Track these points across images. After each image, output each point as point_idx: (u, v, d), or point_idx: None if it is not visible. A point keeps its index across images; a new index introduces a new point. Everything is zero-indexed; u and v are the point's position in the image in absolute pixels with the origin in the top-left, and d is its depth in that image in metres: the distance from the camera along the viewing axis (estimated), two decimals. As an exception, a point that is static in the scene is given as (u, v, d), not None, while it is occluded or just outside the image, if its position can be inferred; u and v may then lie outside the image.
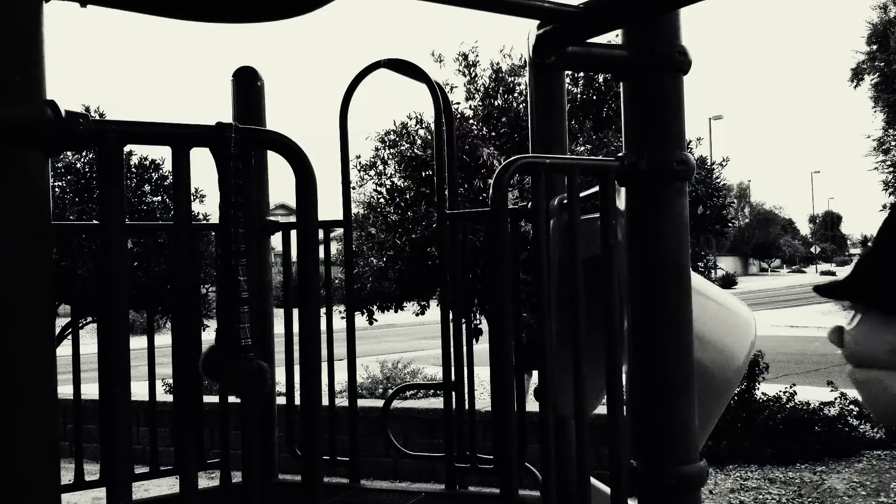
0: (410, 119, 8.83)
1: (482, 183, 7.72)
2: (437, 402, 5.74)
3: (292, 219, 2.90)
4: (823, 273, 61.31)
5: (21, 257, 1.52)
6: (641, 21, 2.40)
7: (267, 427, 3.39)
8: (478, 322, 7.90)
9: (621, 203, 2.49)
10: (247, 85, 3.45)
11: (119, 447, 1.97)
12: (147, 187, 8.29)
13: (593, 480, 2.45)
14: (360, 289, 8.36)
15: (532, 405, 2.62)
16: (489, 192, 2.43)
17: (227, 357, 2.04)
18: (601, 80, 8.81)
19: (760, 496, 4.94)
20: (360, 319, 6.89)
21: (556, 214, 2.68)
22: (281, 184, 3.28)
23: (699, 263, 9.24)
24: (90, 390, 3.50)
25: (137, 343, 3.00)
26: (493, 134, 8.43)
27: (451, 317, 3.24)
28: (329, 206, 3.66)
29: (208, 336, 2.40)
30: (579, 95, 8.89)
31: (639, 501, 2.42)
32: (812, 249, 78.90)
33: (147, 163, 8.28)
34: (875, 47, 15.18)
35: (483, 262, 6.94)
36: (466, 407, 3.23)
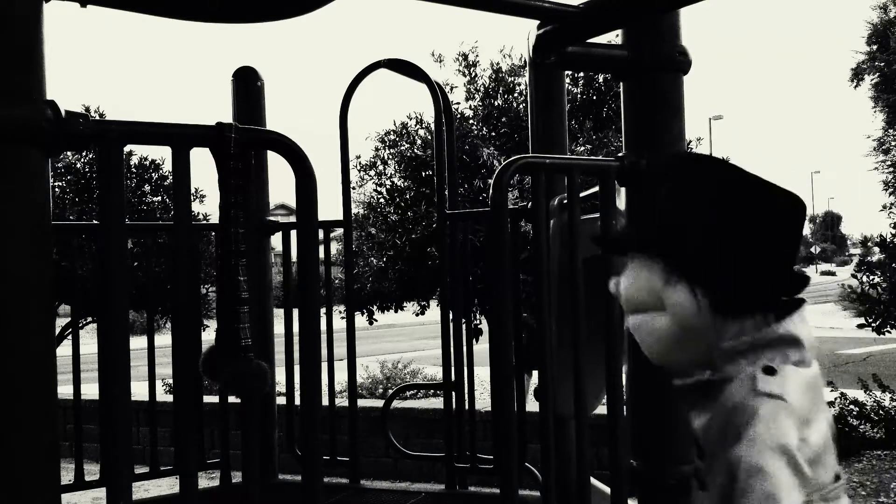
0: (410, 119, 8.84)
1: (482, 183, 7.72)
2: (437, 402, 5.74)
3: (292, 219, 2.90)
4: (824, 273, 61.31)
5: (21, 257, 1.52)
6: (641, 21, 2.40)
7: (267, 427, 3.39)
8: (478, 322, 7.90)
9: (621, 203, 2.49)
10: (247, 85, 3.46)
11: (119, 447, 1.97)
12: (147, 187, 8.29)
13: (593, 480, 2.44)
14: (360, 289, 8.36)
15: (532, 405, 2.62)
16: (489, 192, 2.43)
17: (227, 357, 2.04)
18: (601, 80, 8.80)
19: (760, 496, 4.95)
20: (360, 319, 6.90)
21: (556, 214, 2.68)
22: (281, 184, 3.28)
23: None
24: (90, 390, 3.49)
25: (137, 343, 3.00)
26: (493, 134, 8.43)
27: (451, 317, 3.24)
28: (329, 206, 3.66)
29: (208, 336, 2.40)
30: (579, 95, 8.89)
31: (639, 501, 2.42)
32: (812, 249, 78.93)
33: (147, 163, 8.27)
34: (875, 47, 15.17)
35: (483, 262, 6.94)
36: (466, 407, 3.23)
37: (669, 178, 1.32)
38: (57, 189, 7.76)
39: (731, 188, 1.22)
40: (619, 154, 2.47)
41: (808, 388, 1.16)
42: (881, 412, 6.24)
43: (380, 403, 5.31)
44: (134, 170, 8.18)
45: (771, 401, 1.12)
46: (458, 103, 8.75)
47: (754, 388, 1.14)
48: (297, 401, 3.04)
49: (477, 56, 8.88)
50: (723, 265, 1.18)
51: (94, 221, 3.85)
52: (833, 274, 57.56)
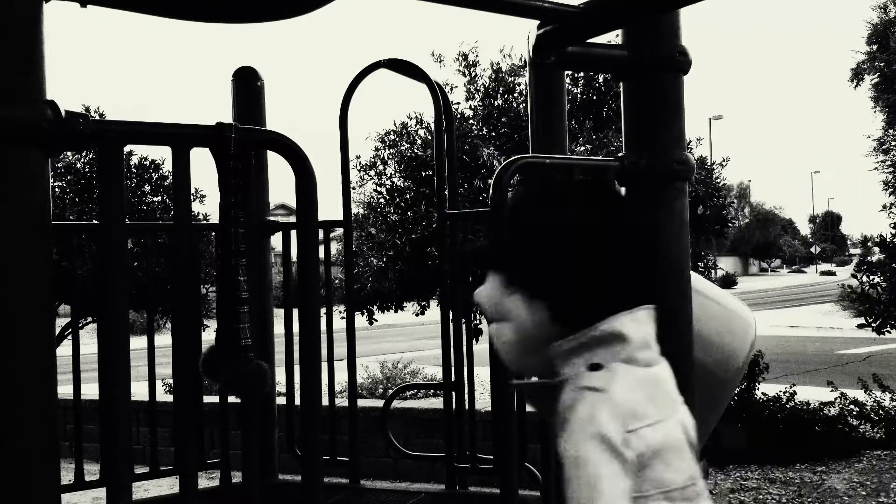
0: (410, 119, 8.84)
1: (482, 183, 7.72)
2: (437, 402, 5.74)
3: (292, 219, 2.90)
4: (824, 273, 61.32)
5: (21, 257, 1.52)
6: (641, 21, 2.40)
7: (267, 427, 3.39)
8: (478, 322, 7.90)
9: (621, 203, 2.49)
10: (247, 85, 3.46)
11: (119, 447, 1.97)
12: (147, 187, 8.28)
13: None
14: (360, 289, 8.35)
15: (532, 405, 2.62)
16: (489, 192, 2.43)
17: (227, 357, 2.04)
18: (601, 80, 8.81)
19: (760, 496, 4.94)
20: (360, 319, 6.89)
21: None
22: (281, 184, 3.28)
23: (699, 263, 9.24)
24: (90, 390, 3.49)
25: (137, 343, 3.00)
26: (493, 134, 8.43)
27: (451, 317, 3.24)
28: (329, 206, 3.66)
29: (208, 336, 2.40)
30: (579, 95, 8.89)
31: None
32: (812, 249, 78.92)
33: (147, 163, 8.27)
34: (875, 47, 15.17)
35: (483, 262, 6.92)
36: (466, 407, 3.23)
37: (515, 191, 1.43)
38: (57, 189, 7.76)
39: (564, 199, 1.28)
40: (619, 154, 2.47)
41: (638, 385, 1.19)
42: (881, 412, 6.24)
43: (380, 403, 5.31)
44: (134, 170, 8.17)
45: (591, 393, 1.16)
46: (458, 103, 8.75)
47: (577, 383, 1.19)
48: (297, 401, 3.04)
49: (477, 56, 8.88)
50: (558, 277, 1.22)
51: (94, 221, 3.85)
52: (833, 274, 57.56)
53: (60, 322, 7.53)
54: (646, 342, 1.26)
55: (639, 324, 1.26)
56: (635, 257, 1.30)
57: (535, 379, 1.29)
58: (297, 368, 2.81)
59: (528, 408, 2.98)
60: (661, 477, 1.15)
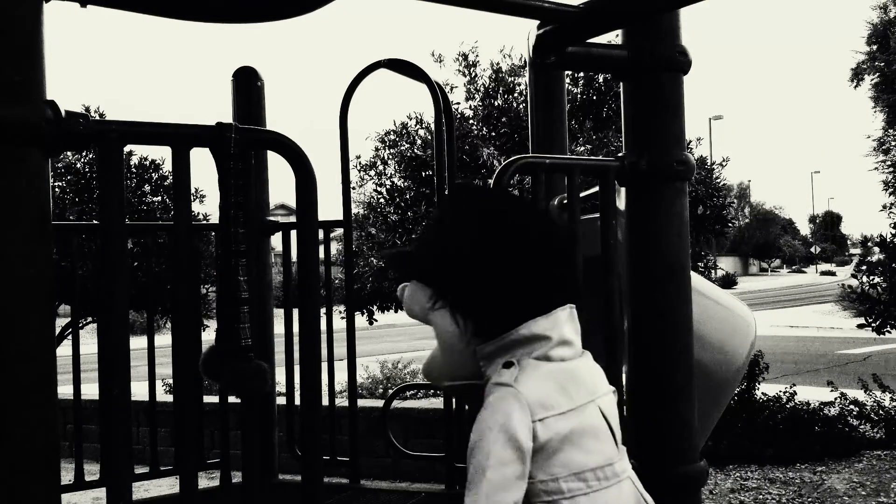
0: (410, 119, 8.84)
1: (482, 183, 7.72)
2: (437, 402, 5.73)
3: (292, 219, 2.90)
4: (824, 273, 61.30)
5: (21, 257, 1.52)
6: (641, 21, 2.41)
7: (267, 427, 3.39)
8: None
9: (621, 203, 2.49)
10: (247, 85, 3.45)
11: (119, 447, 1.97)
12: (147, 187, 8.29)
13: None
14: (360, 289, 8.36)
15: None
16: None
17: (227, 357, 2.04)
18: (601, 80, 8.81)
19: (760, 496, 4.94)
20: (360, 319, 6.89)
21: (556, 214, 2.69)
22: (281, 184, 3.28)
23: (699, 263, 9.24)
24: (90, 390, 3.50)
25: (137, 343, 3.00)
26: (493, 134, 8.43)
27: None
28: (329, 206, 3.66)
29: (208, 336, 2.40)
30: (579, 95, 8.90)
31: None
32: (812, 249, 78.89)
33: (147, 163, 8.27)
34: (875, 47, 15.16)
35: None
36: (466, 407, 3.23)
37: (438, 208, 1.52)
38: (57, 189, 7.76)
39: (488, 218, 1.35)
40: (619, 154, 2.47)
41: (548, 379, 1.30)
42: (881, 412, 6.24)
43: (380, 403, 5.31)
44: (134, 170, 8.18)
45: (501, 388, 1.28)
46: (458, 103, 8.75)
47: (493, 380, 1.31)
48: (297, 401, 3.04)
49: (477, 56, 8.89)
50: (481, 293, 1.32)
51: (94, 221, 3.85)
52: (833, 274, 57.54)
53: (60, 322, 7.53)
54: (562, 340, 1.35)
55: (555, 324, 1.35)
56: (551, 262, 1.37)
57: (466, 381, 1.38)
58: (297, 368, 2.81)
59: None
60: (571, 459, 1.27)
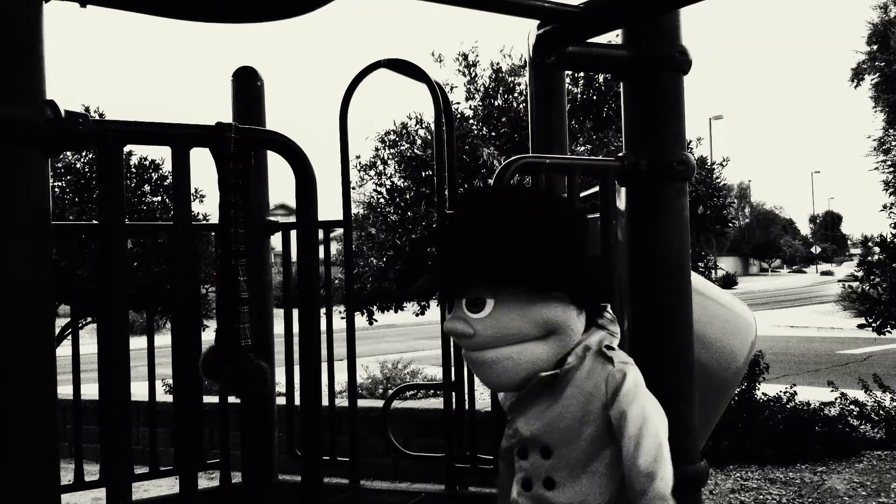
0: (410, 119, 8.83)
1: (482, 183, 7.72)
2: (437, 402, 5.73)
3: (292, 219, 2.90)
4: (824, 273, 61.28)
5: (21, 257, 1.52)
6: (641, 21, 2.40)
7: (267, 427, 3.39)
8: (478, 322, 7.89)
9: (621, 203, 2.49)
10: (247, 85, 3.45)
11: (119, 447, 1.97)
12: (147, 187, 8.28)
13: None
14: (360, 289, 8.35)
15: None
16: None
17: (227, 357, 2.04)
18: (601, 80, 8.80)
19: (760, 496, 4.94)
20: (360, 319, 6.89)
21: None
22: (281, 184, 3.28)
23: (699, 263, 9.24)
24: (90, 390, 3.49)
25: (137, 343, 2.99)
26: (493, 134, 8.43)
27: (451, 317, 3.23)
28: (329, 206, 3.66)
29: (208, 336, 2.40)
30: (579, 95, 8.89)
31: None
32: (812, 249, 78.86)
33: (147, 163, 8.26)
34: (875, 47, 15.17)
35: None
36: (466, 407, 3.23)
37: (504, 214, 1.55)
38: (57, 189, 7.75)
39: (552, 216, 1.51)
40: (619, 154, 2.47)
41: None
42: (881, 412, 6.24)
43: (380, 403, 5.31)
44: (134, 170, 8.17)
45: (629, 365, 1.51)
46: (458, 103, 8.75)
47: (615, 359, 1.51)
48: (297, 401, 3.04)
49: (477, 56, 8.88)
50: (583, 272, 1.51)
51: (94, 221, 3.85)
52: (831, 273, 57.54)
53: (60, 322, 7.53)
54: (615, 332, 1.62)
55: (614, 321, 1.62)
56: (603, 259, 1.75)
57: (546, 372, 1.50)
58: (297, 368, 2.81)
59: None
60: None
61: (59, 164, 7.87)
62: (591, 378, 1.48)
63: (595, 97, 8.95)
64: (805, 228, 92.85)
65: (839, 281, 45.29)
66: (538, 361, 1.46)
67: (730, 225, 10.08)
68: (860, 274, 7.33)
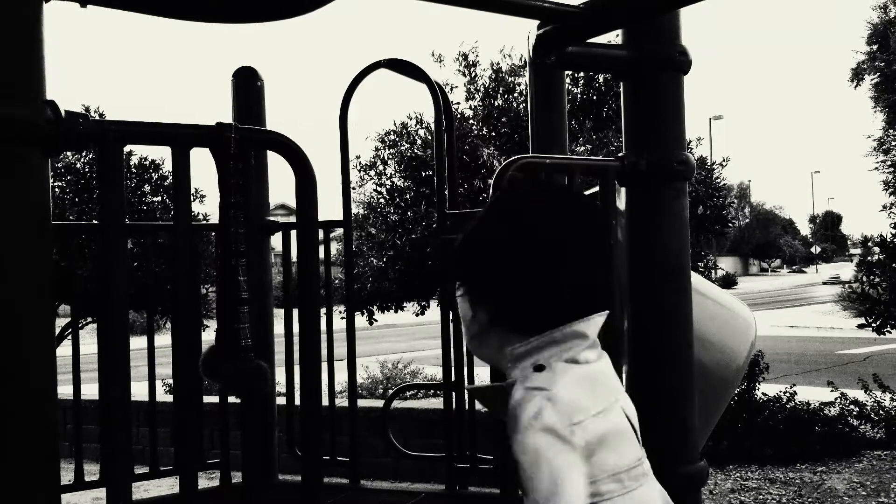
0: (410, 119, 8.83)
1: (482, 183, 7.72)
2: (437, 402, 5.73)
3: (292, 219, 2.90)
4: (829, 282, 61.13)
5: (21, 257, 1.52)
6: (641, 21, 2.40)
7: (267, 427, 3.39)
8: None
9: (621, 203, 2.49)
10: (247, 85, 3.45)
11: (119, 447, 1.97)
12: (147, 187, 8.28)
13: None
14: (360, 289, 8.35)
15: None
16: (489, 192, 2.43)
17: (227, 357, 2.04)
18: (601, 80, 8.80)
19: (760, 496, 4.94)
20: (360, 319, 6.89)
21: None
22: (281, 184, 3.28)
23: (699, 263, 9.24)
24: (90, 390, 3.49)
25: (137, 343, 2.99)
26: (493, 134, 8.43)
27: (450, 317, 3.23)
28: (329, 206, 3.66)
29: (208, 336, 2.40)
30: (579, 95, 8.89)
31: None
32: (812, 249, 78.87)
33: (147, 163, 8.27)
34: (875, 47, 15.17)
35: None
36: (466, 407, 3.23)
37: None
38: (57, 189, 7.75)
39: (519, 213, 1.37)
40: (619, 154, 2.47)
41: (580, 382, 1.30)
42: (881, 412, 6.24)
43: (380, 403, 5.31)
44: (134, 170, 8.17)
45: (538, 392, 1.27)
46: (458, 103, 8.75)
47: (525, 384, 1.29)
48: (297, 401, 3.04)
49: (477, 56, 8.88)
50: (510, 290, 1.32)
51: (94, 221, 3.85)
52: (838, 279, 57.38)
53: (60, 322, 7.53)
54: (594, 342, 1.35)
55: (590, 328, 1.34)
56: (594, 266, 1.36)
57: (486, 383, 1.44)
58: (297, 368, 2.81)
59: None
60: (606, 461, 1.26)
61: (59, 164, 7.87)
62: (513, 398, 1.30)
63: (595, 97, 8.95)
64: (805, 228, 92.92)
65: (824, 283, 45.24)
66: (489, 349, 1.39)
67: (730, 225, 10.09)
68: (840, 276, 7.33)
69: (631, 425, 1.35)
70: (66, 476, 2.55)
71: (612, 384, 1.36)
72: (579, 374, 1.31)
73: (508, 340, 1.33)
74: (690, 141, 8.99)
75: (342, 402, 4.32)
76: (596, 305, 1.35)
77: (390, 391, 7.95)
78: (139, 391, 3.52)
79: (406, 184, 8.65)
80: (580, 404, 1.26)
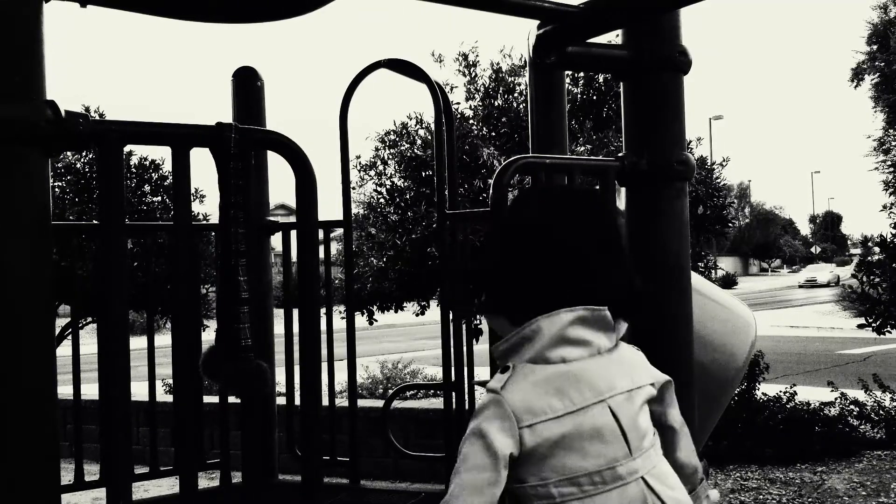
0: (410, 119, 8.82)
1: (482, 183, 7.72)
2: (437, 402, 5.74)
3: (292, 219, 2.90)
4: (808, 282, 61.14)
5: (21, 257, 1.52)
6: (641, 21, 2.41)
7: (267, 427, 3.39)
8: (478, 322, 7.90)
9: (621, 203, 2.49)
10: (247, 85, 3.45)
11: (119, 447, 1.97)
12: (147, 187, 8.28)
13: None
14: (360, 289, 8.35)
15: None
16: (489, 192, 2.43)
17: (227, 357, 2.04)
18: (601, 80, 8.80)
19: (760, 496, 4.94)
20: (360, 319, 6.89)
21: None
22: (281, 184, 3.28)
23: (699, 263, 9.24)
24: (90, 390, 3.49)
25: (137, 343, 2.99)
26: (493, 134, 8.42)
27: (450, 317, 3.24)
28: (329, 206, 3.66)
29: (208, 336, 2.40)
30: (579, 95, 8.89)
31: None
32: (812, 249, 78.87)
33: (147, 163, 8.27)
34: (875, 47, 15.18)
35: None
36: (466, 407, 3.23)
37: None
38: (57, 189, 7.75)
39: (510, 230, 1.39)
40: (619, 154, 2.47)
41: (543, 382, 1.29)
42: (881, 412, 6.24)
43: (380, 403, 5.31)
44: (134, 170, 8.17)
45: (488, 394, 1.29)
46: (458, 103, 8.74)
47: (487, 385, 1.31)
48: (297, 401, 3.04)
49: (477, 56, 8.87)
50: (496, 283, 1.35)
51: (94, 221, 3.85)
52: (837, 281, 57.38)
53: (60, 322, 7.52)
54: (563, 339, 1.31)
55: (553, 324, 1.31)
56: (564, 262, 1.34)
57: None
58: (297, 368, 2.81)
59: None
60: (564, 463, 1.26)
61: (59, 164, 7.87)
62: None
63: (595, 97, 8.95)
64: (805, 228, 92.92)
65: (800, 286, 44.24)
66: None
67: (730, 225, 10.08)
68: (860, 274, 7.33)
69: (619, 426, 1.31)
70: (66, 476, 2.55)
71: (598, 383, 1.32)
72: (544, 375, 1.29)
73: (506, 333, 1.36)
74: (690, 141, 8.99)
75: (342, 402, 4.33)
76: (564, 300, 1.32)
77: (390, 391, 7.95)
78: (139, 391, 3.51)
79: (406, 184, 8.65)
80: (534, 407, 1.26)
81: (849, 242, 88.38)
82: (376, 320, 9.15)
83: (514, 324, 1.34)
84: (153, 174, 8.28)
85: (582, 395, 1.30)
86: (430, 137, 8.35)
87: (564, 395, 1.28)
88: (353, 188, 8.77)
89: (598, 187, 2.47)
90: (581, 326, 1.33)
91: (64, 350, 3.80)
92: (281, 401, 3.79)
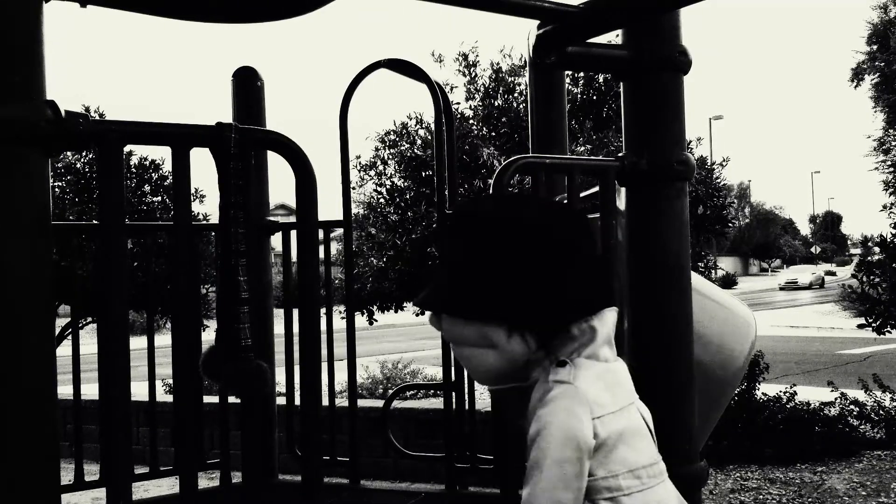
0: (410, 119, 8.83)
1: (482, 183, 7.72)
2: (437, 402, 5.73)
3: (292, 219, 2.90)
4: (828, 273, 61.29)
5: (21, 257, 1.52)
6: (641, 21, 2.40)
7: (267, 427, 3.39)
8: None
9: (621, 203, 2.49)
10: (247, 85, 3.45)
11: (119, 447, 1.97)
12: (147, 187, 8.28)
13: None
14: (360, 289, 8.35)
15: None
16: (489, 192, 2.43)
17: (227, 357, 2.05)
18: (601, 80, 8.81)
19: (760, 496, 4.94)
20: (360, 319, 6.89)
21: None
22: (281, 184, 3.28)
23: (699, 263, 9.24)
24: (90, 390, 3.49)
25: (137, 343, 2.99)
26: (493, 134, 8.43)
27: (451, 317, 3.23)
28: (329, 206, 3.66)
29: (208, 336, 2.40)
30: (579, 95, 8.89)
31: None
32: (812, 249, 78.85)
33: (147, 163, 8.27)
34: (875, 47, 15.18)
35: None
36: (466, 407, 3.23)
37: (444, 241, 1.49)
38: (57, 189, 7.75)
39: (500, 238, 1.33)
40: (619, 154, 2.47)
41: (599, 378, 1.31)
42: (881, 412, 6.24)
43: (380, 403, 5.31)
44: (134, 170, 8.17)
45: (561, 385, 1.28)
46: (458, 103, 8.75)
47: (548, 378, 1.30)
48: (297, 401, 3.04)
49: (477, 56, 8.87)
50: (533, 307, 1.30)
51: (94, 221, 3.85)
52: (834, 274, 57.49)
53: (60, 322, 7.52)
54: (608, 340, 1.36)
55: (603, 324, 1.36)
56: (597, 265, 1.38)
57: (512, 384, 1.38)
58: (297, 368, 2.81)
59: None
60: (626, 457, 1.29)
61: (59, 164, 7.87)
62: (535, 394, 1.31)
63: (595, 97, 8.96)
64: (805, 228, 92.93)
65: (781, 288, 42.86)
66: (491, 368, 1.34)
67: (730, 225, 10.09)
68: (798, 280, 7.31)
69: (647, 426, 1.38)
70: (66, 476, 2.55)
71: (627, 386, 1.38)
72: (599, 371, 1.32)
73: (528, 346, 1.32)
74: (690, 141, 8.99)
75: (342, 402, 4.32)
76: (605, 300, 1.36)
77: (390, 391, 7.95)
78: (139, 391, 3.51)
79: (406, 184, 8.65)
80: (601, 400, 1.28)
81: (849, 242, 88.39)
82: (376, 320, 9.15)
83: (539, 333, 1.32)
84: (153, 174, 8.28)
85: (623, 394, 1.34)
86: (430, 137, 8.35)
87: (613, 392, 1.32)
88: (353, 188, 8.77)
89: (598, 187, 2.47)
90: (612, 327, 1.39)
91: (64, 350, 3.80)
92: (281, 401, 3.79)
